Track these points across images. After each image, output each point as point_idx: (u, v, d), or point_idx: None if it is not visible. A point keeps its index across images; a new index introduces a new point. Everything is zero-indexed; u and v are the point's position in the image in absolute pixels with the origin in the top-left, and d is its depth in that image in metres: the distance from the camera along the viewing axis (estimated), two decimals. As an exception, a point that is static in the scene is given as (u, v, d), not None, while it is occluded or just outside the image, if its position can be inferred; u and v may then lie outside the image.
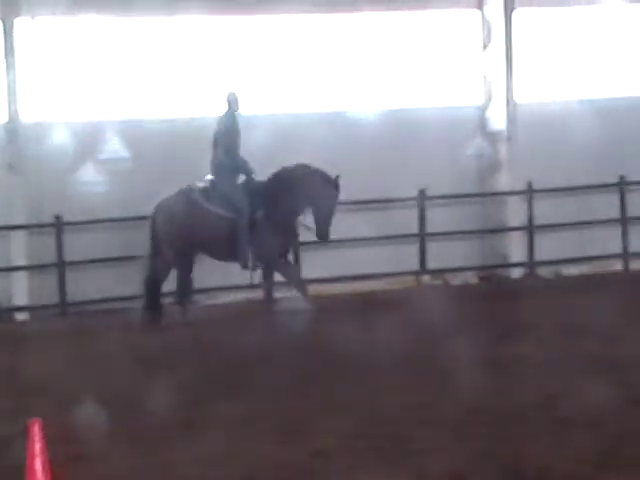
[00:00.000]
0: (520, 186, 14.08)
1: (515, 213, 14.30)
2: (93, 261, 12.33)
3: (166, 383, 7.63)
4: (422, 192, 13.48)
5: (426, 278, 13.83)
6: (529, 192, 13.98)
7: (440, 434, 6.20)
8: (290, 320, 10.33)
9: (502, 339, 9.46)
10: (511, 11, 14.11)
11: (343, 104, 13.98)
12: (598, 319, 9.56)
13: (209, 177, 11.08)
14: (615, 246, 14.36)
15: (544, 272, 14.27)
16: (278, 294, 12.20)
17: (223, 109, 11.25)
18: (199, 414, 6.90)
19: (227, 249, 10.87)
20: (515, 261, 14.39)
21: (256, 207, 10.81)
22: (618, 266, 14.40)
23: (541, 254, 14.12)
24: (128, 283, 11.71)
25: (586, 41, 14.99)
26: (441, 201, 13.81)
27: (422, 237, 13.60)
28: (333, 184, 11.09)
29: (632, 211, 14.30)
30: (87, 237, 12.47)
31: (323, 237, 11.11)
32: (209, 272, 11.97)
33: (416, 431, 6.26)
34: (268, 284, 11.55)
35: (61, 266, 12.23)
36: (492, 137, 14.47)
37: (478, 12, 14.49)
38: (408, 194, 13.45)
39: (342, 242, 12.52)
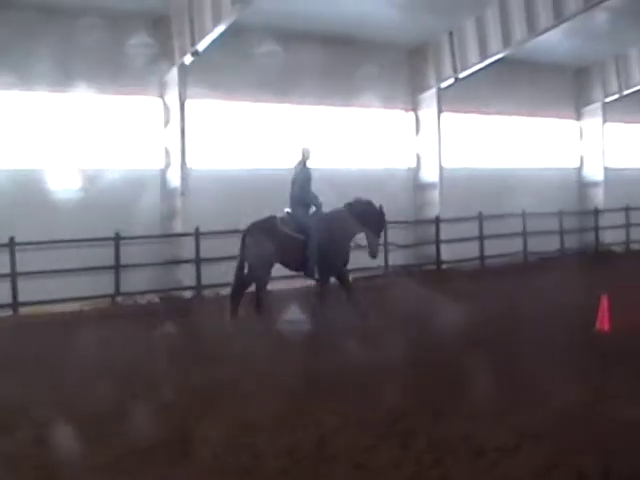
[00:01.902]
0: (192, 229, 15.01)
1: (187, 249, 15.27)
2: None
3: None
4: (117, 234, 14.18)
5: (120, 299, 14.46)
6: (197, 234, 15.00)
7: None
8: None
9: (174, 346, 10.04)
10: (184, 101, 15.32)
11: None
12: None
13: (287, 209, 11.66)
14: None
15: (208, 293, 15.15)
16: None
17: (298, 158, 11.90)
18: None
19: (298, 263, 11.42)
20: (187, 285, 15.30)
21: (322, 232, 11.30)
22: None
23: (206, 280, 15.16)
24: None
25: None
26: (133, 240, 14.55)
27: (117, 268, 14.30)
28: (379, 213, 12.02)
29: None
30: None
31: (373, 255, 11.99)
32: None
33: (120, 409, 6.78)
34: (323, 290, 11.74)
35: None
36: (170, 192, 15.56)
37: (160, 100, 15.64)
38: (106, 234, 14.09)
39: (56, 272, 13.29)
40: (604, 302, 9.75)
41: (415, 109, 19.61)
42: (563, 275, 16.63)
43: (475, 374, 7.69)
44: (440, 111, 19.28)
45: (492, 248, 19.48)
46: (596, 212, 22.87)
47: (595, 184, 23.41)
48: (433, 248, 18.87)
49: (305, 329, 10.63)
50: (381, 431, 6.11)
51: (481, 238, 19.44)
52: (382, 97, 18.52)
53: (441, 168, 19.28)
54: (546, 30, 17.34)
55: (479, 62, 18.33)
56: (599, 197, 23.25)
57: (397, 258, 18.15)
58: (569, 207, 22.40)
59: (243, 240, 11.36)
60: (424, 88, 19.34)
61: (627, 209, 23.24)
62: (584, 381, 7.41)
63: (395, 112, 19.40)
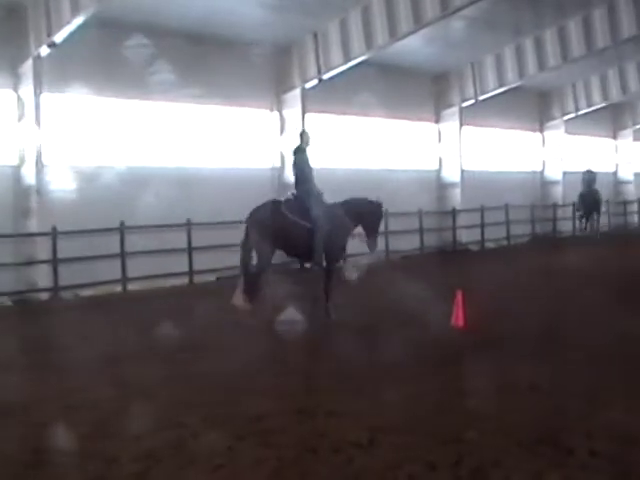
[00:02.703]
0: (48, 228, 14.43)
1: (43, 249, 14.67)
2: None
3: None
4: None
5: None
6: (54, 234, 14.49)
7: None
8: None
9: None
10: (39, 94, 14.64)
11: None
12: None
13: (292, 192, 11.48)
14: (116, 273, 15.36)
15: (66, 295, 14.83)
16: None
17: (296, 143, 11.69)
18: None
19: (302, 250, 11.17)
20: (43, 287, 14.71)
21: (326, 222, 11.05)
22: (119, 288, 15.57)
23: (63, 281, 14.67)
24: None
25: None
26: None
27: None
28: (377, 207, 11.81)
29: (129, 248, 15.40)
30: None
31: (371, 247, 11.84)
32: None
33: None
34: (327, 280, 11.34)
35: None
36: (25, 190, 14.85)
37: (14, 93, 14.92)
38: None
39: None
40: (459, 298, 10.16)
41: (280, 109, 19.72)
42: (422, 272, 17.25)
43: (335, 374, 7.89)
44: (304, 111, 19.47)
45: (354, 247, 19.82)
46: (454, 212, 23.82)
47: (453, 185, 24.40)
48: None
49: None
50: (243, 430, 6.12)
51: (344, 237, 19.77)
52: (246, 96, 18.56)
53: (305, 168, 19.43)
54: (406, 35, 17.89)
55: (342, 64, 18.65)
56: (456, 198, 24.25)
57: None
58: (429, 207, 23.24)
59: (247, 225, 11.19)
60: (288, 88, 19.48)
61: (482, 209, 24.38)
62: (439, 376, 7.71)
63: (259, 111, 19.43)
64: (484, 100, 24.16)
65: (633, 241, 25.09)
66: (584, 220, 27.00)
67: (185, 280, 16.57)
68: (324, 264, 11.37)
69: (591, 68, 27.06)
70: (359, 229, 11.89)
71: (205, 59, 17.16)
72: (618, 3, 20.93)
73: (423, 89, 23.99)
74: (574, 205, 27.85)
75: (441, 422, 6.13)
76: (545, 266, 17.10)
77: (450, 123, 24.46)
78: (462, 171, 24.39)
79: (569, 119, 29.48)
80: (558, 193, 29.22)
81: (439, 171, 24.68)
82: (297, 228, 10.97)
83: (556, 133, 29.41)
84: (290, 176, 19.22)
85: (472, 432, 5.79)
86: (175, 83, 16.69)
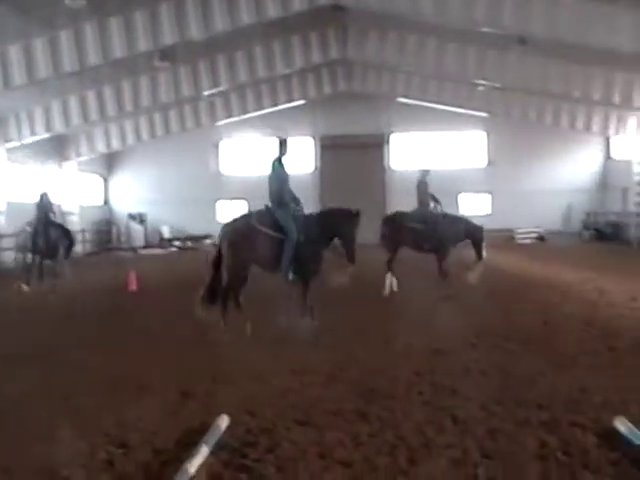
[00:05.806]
0: None
1: None
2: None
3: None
4: None
5: None
6: None
7: None
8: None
9: None
10: None
11: None
12: None
13: (266, 204, 11.06)
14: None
15: None
16: None
17: (274, 153, 11.34)
18: None
19: (273, 263, 10.84)
20: None
21: (299, 232, 10.80)
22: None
23: None
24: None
25: None
26: None
27: None
28: (354, 218, 11.24)
29: None
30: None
31: (351, 260, 11.25)
32: None
33: None
34: (302, 293, 11.08)
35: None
36: None
37: None
38: None
39: None
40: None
41: None
42: None
43: None
44: None
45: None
46: None
47: None
48: None
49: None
50: None
51: None
52: None
53: None
54: None
55: None
56: None
57: None
58: None
59: (219, 240, 10.92)
60: None
61: None
62: None
63: None
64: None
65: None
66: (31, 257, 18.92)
67: None
68: (290, 277, 11.02)
69: (35, 98, 27.54)
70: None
71: None
72: (60, 37, 21.76)
73: None
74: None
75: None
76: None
77: None
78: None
79: (13, 147, 29.32)
80: (2, 223, 28.52)
81: None
82: (269, 240, 10.81)
83: (-1, 161, 28.96)
84: None
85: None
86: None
